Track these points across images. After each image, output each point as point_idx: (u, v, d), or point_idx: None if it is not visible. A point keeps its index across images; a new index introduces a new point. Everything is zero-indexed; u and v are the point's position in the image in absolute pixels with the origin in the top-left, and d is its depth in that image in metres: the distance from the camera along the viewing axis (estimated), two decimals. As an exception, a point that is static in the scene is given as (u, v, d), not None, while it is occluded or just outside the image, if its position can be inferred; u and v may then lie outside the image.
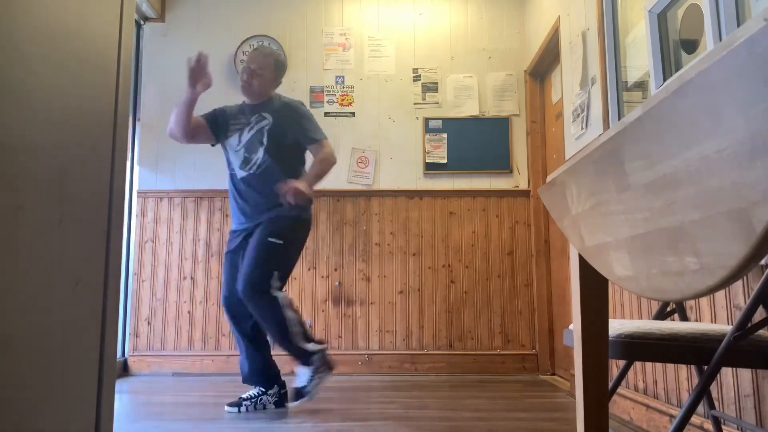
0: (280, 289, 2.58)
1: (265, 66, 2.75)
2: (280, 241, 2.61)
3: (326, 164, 2.71)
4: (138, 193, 3.85)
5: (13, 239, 0.65)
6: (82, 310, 0.79)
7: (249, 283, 2.52)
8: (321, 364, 2.56)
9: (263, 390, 2.62)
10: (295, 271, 3.77)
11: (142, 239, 3.79)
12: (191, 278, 3.76)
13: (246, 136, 2.72)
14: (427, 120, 3.93)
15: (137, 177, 3.88)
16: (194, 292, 3.74)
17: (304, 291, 3.74)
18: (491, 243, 3.81)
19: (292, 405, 2.56)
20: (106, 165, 0.86)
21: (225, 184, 3.84)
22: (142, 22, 3.98)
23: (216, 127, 2.81)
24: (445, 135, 3.91)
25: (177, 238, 3.80)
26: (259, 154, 2.68)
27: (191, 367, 3.65)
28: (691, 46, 1.94)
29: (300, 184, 2.55)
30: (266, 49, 2.90)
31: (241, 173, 2.70)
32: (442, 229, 3.82)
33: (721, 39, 1.71)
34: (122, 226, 0.90)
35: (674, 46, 2.04)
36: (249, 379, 2.65)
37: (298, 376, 2.56)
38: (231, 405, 2.59)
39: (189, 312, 3.73)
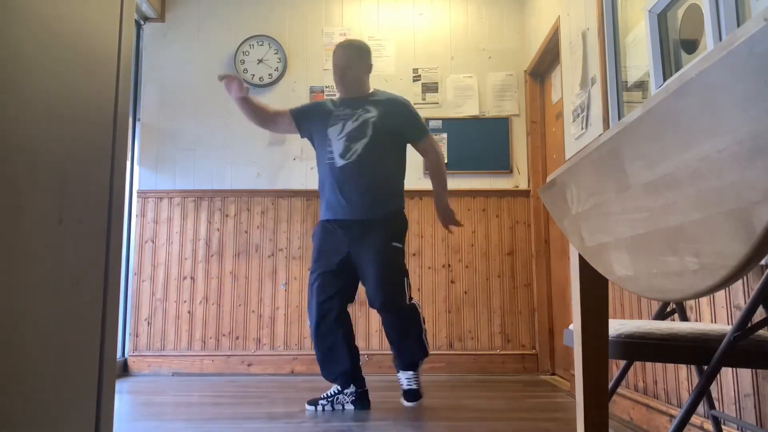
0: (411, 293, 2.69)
1: (350, 60, 2.76)
2: (401, 245, 2.68)
3: (444, 166, 2.82)
4: (138, 193, 3.85)
5: (13, 239, 0.65)
6: (82, 310, 0.79)
7: (389, 298, 2.58)
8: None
9: (339, 389, 2.61)
10: (296, 271, 3.77)
11: (142, 239, 3.79)
12: (191, 278, 3.76)
13: (350, 126, 2.70)
14: (427, 120, 3.93)
15: (137, 177, 3.88)
16: (194, 292, 3.74)
17: (304, 291, 3.74)
18: (491, 243, 3.81)
19: (410, 404, 2.63)
20: (106, 165, 0.86)
21: (224, 184, 3.86)
22: (142, 22, 3.98)
23: (305, 121, 2.82)
24: (445, 135, 3.91)
25: (177, 238, 3.80)
26: (360, 145, 2.66)
27: (191, 367, 3.65)
28: (691, 46, 1.94)
29: (449, 210, 2.75)
30: (345, 43, 2.83)
31: (340, 161, 2.66)
32: (442, 229, 3.82)
33: (721, 39, 1.71)
34: (122, 226, 0.90)
35: (674, 46, 2.04)
36: (332, 377, 2.64)
37: (407, 379, 2.66)
38: (310, 403, 2.61)
39: (189, 312, 3.73)
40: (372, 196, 2.63)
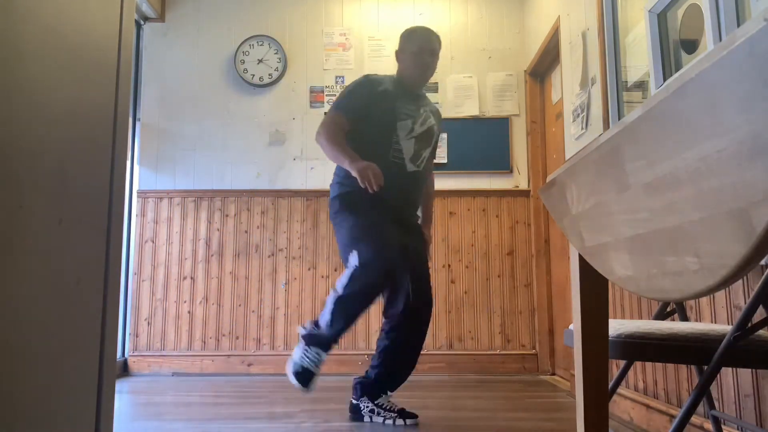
0: None
1: (437, 50, 2.50)
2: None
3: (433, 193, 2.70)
4: (138, 193, 3.85)
5: (13, 239, 0.65)
6: (82, 310, 0.79)
7: (430, 297, 2.46)
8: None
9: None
10: (296, 271, 3.77)
11: (142, 239, 3.79)
12: (191, 278, 3.76)
13: (418, 128, 2.44)
14: (427, 120, 3.93)
15: (137, 177, 3.88)
16: (194, 292, 3.74)
17: (304, 291, 3.74)
18: (491, 243, 3.81)
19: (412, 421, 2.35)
20: (106, 165, 0.86)
21: (224, 184, 3.86)
22: (142, 22, 3.99)
23: (364, 116, 2.41)
24: (445, 135, 3.91)
25: (177, 238, 3.80)
26: (426, 153, 2.48)
27: (191, 367, 3.65)
28: (691, 46, 1.94)
29: (429, 241, 2.57)
30: (430, 31, 2.52)
31: (411, 167, 2.41)
32: (442, 229, 3.82)
33: (721, 39, 1.71)
34: (122, 226, 0.90)
35: (674, 46, 2.04)
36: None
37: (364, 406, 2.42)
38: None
39: (189, 312, 3.73)
40: (416, 207, 2.53)
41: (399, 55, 2.51)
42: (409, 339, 2.38)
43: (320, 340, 2.23)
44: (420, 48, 2.44)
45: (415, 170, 2.42)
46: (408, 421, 2.33)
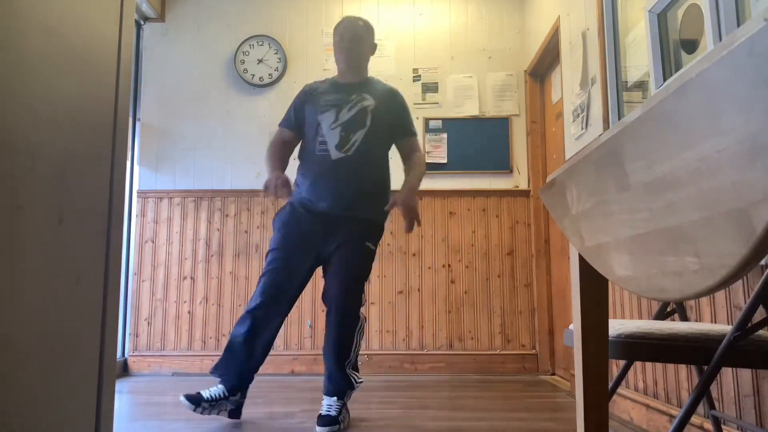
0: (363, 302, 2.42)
1: (360, 33, 2.50)
2: (374, 248, 2.44)
3: (424, 167, 2.55)
4: (138, 193, 3.85)
5: (13, 239, 0.65)
6: (82, 310, 0.79)
7: (353, 296, 2.34)
8: (350, 397, 2.39)
9: (226, 394, 2.33)
10: (295, 271, 3.77)
11: (142, 239, 3.79)
12: (191, 278, 3.76)
13: (345, 114, 2.44)
14: (427, 120, 3.93)
15: (137, 177, 3.88)
16: (194, 292, 3.74)
17: (304, 291, 3.73)
18: (491, 243, 3.81)
19: (320, 430, 2.22)
20: (106, 165, 0.86)
21: (224, 184, 3.86)
22: (142, 22, 3.99)
23: (301, 122, 2.54)
24: (445, 135, 3.91)
25: (177, 238, 3.80)
26: (359, 136, 2.42)
27: (191, 367, 3.65)
28: (691, 46, 1.94)
29: (412, 202, 2.37)
30: (353, 17, 2.56)
31: (337, 154, 2.39)
32: (442, 229, 3.82)
33: (721, 39, 1.71)
34: (122, 226, 0.90)
35: (674, 46, 2.04)
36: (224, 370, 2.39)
37: (328, 405, 2.31)
38: (188, 399, 2.28)
39: (189, 312, 3.73)
40: (363, 193, 2.41)
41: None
42: (330, 338, 2.37)
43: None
44: (340, 36, 2.49)
45: (342, 156, 2.39)
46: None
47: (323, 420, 2.23)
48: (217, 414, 2.32)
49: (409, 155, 2.55)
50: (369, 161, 2.44)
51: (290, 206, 2.48)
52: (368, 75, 2.59)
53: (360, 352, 2.40)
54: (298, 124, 2.54)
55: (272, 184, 2.37)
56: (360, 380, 2.41)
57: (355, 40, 2.49)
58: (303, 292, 3.82)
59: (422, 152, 2.57)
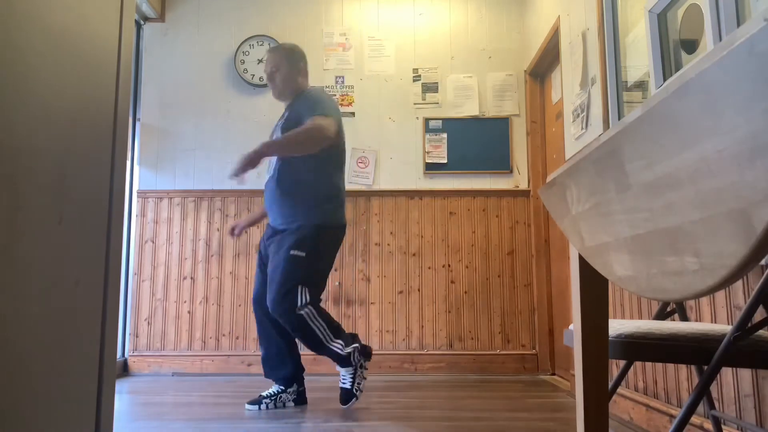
0: (314, 300, 2.51)
1: (276, 59, 2.69)
2: (302, 253, 2.51)
3: (304, 132, 2.44)
4: (138, 193, 3.85)
5: (13, 239, 0.65)
6: (82, 310, 0.79)
7: (276, 301, 2.48)
8: (358, 360, 2.53)
9: (282, 388, 2.65)
10: (295, 271, 3.77)
11: (142, 239, 3.79)
12: (191, 278, 3.76)
13: (273, 137, 2.68)
14: (427, 120, 3.93)
15: (137, 177, 3.88)
16: (194, 292, 3.74)
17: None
18: (491, 243, 3.81)
19: (344, 407, 2.53)
20: (106, 165, 0.86)
21: (224, 184, 3.87)
22: (142, 22, 3.99)
23: None
24: (445, 135, 3.91)
25: (177, 238, 3.80)
26: (275, 158, 2.62)
27: (191, 367, 3.65)
28: (691, 46, 1.94)
29: (244, 159, 2.41)
30: (274, 47, 2.84)
31: (267, 176, 2.68)
32: (442, 229, 3.82)
33: (721, 39, 1.71)
34: (122, 226, 0.90)
35: (674, 46, 2.04)
36: (271, 375, 2.68)
37: (342, 377, 2.55)
38: (251, 403, 2.62)
39: (189, 312, 3.73)
40: (284, 205, 2.58)
41: None
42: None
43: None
44: (264, 73, 2.84)
45: (269, 177, 2.66)
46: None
47: (341, 397, 2.55)
48: (283, 406, 2.63)
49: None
50: (284, 176, 2.59)
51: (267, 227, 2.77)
52: (305, 88, 2.73)
53: (329, 322, 2.53)
54: None
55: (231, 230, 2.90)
56: (350, 346, 2.53)
57: (270, 76, 2.71)
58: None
59: (311, 124, 2.47)
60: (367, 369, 2.58)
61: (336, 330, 2.53)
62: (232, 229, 2.83)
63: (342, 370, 2.54)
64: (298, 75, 2.72)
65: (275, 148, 2.46)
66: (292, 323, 2.47)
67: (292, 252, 2.50)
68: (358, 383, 2.53)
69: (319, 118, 2.49)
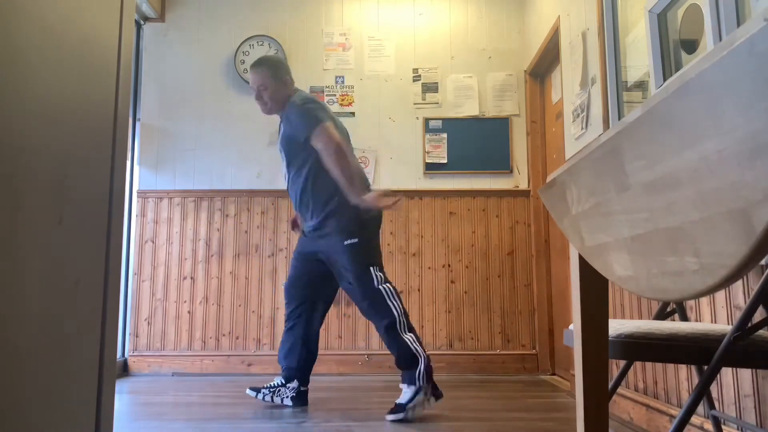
0: (386, 278, 2.58)
1: (262, 78, 2.67)
2: (355, 239, 2.56)
3: (334, 157, 2.52)
4: (138, 193, 3.85)
5: (13, 239, 0.65)
6: (82, 310, 0.79)
7: (359, 291, 2.53)
8: (426, 387, 2.40)
9: (283, 381, 2.70)
10: (295, 271, 3.77)
11: (142, 239, 3.79)
12: (191, 278, 3.76)
13: (278, 146, 2.78)
14: (427, 120, 3.93)
15: (137, 177, 3.88)
16: (194, 292, 3.74)
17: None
18: (491, 243, 3.81)
19: (387, 417, 2.39)
20: (106, 165, 0.86)
21: (224, 184, 3.87)
22: (142, 22, 3.99)
23: None
24: (445, 135, 3.91)
25: (177, 238, 3.80)
26: (284, 164, 2.74)
27: (191, 367, 3.65)
28: (691, 46, 1.94)
29: (368, 201, 2.48)
30: (256, 62, 2.74)
31: (285, 181, 2.77)
32: (442, 229, 3.82)
33: (721, 39, 1.71)
34: (122, 226, 0.90)
35: (674, 46, 2.04)
36: (281, 362, 2.75)
37: (403, 393, 2.43)
38: (252, 389, 2.74)
39: (189, 312, 3.73)
40: (306, 207, 2.66)
41: None
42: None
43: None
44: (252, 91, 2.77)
45: (287, 182, 2.75)
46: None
47: (392, 408, 2.41)
48: (281, 402, 2.68)
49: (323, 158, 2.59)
50: (299, 180, 2.66)
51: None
52: (294, 92, 2.73)
53: (405, 310, 2.55)
54: None
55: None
56: (423, 352, 2.45)
57: (258, 96, 2.71)
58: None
59: (326, 144, 2.54)
60: (430, 405, 2.45)
61: (410, 323, 2.53)
62: (294, 224, 2.92)
63: (405, 387, 2.43)
64: (285, 88, 2.71)
65: (353, 190, 2.52)
66: (374, 300, 2.50)
67: (345, 243, 2.55)
68: (413, 405, 2.38)
69: (321, 130, 2.56)
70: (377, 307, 2.50)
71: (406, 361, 2.43)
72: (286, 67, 2.77)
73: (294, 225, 2.93)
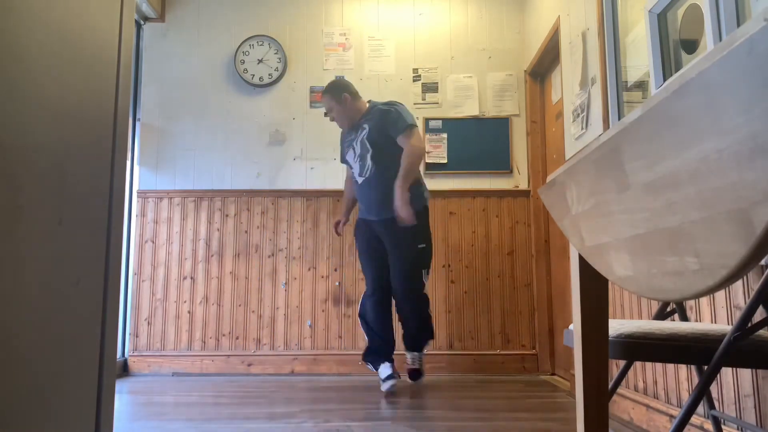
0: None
1: (327, 103, 3.17)
2: (424, 244, 3.07)
3: (413, 157, 3.01)
4: (138, 193, 3.85)
5: (13, 239, 0.65)
6: (82, 310, 0.79)
7: (408, 288, 3.03)
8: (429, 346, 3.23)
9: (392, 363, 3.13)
10: (296, 271, 3.77)
11: (142, 239, 3.79)
12: (191, 278, 3.76)
13: (357, 149, 3.14)
14: (427, 120, 3.93)
15: (137, 177, 3.88)
16: (194, 292, 3.74)
17: (304, 291, 3.74)
18: (491, 243, 3.81)
19: (417, 382, 3.17)
20: (106, 165, 0.86)
21: (224, 184, 3.88)
22: (142, 22, 3.98)
23: (343, 156, 3.31)
24: (445, 135, 3.91)
25: (177, 238, 3.80)
26: (369, 161, 3.09)
27: (191, 367, 3.65)
28: (691, 46, 1.94)
29: (401, 205, 2.93)
30: (324, 90, 3.21)
31: (360, 179, 3.12)
32: (442, 229, 3.82)
33: (721, 39, 1.71)
34: (122, 226, 0.90)
35: (674, 46, 2.04)
36: (388, 356, 3.13)
37: (411, 359, 3.17)
38: (388, 378, 3.03)
39: (189, 312, 3.73)
40: (386, 204, 3.03)
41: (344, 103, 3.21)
42: (400, 313, 3.14)
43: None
44: (327, 111, 3.22)
45: (363, 180, 3.11)
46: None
47: (412, 375, 3.17)
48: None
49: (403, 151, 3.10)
50: (382, 174, 3.06)
51: (358, 221, 3.26)
52: (367, 104, 3.23)
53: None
54: (345, 162, 3.30)
55: (335, 229, 3.37)
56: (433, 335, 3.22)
57: (328, 111, 3.19)
58: (303, 295, 3.84)
59: (412, 146, 3.03)
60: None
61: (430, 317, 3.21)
62: (336, 227, 3.33)
63: (413, 353, 3.16)
64: (349, 104, 3.15)
65: (405, 181, 2.98)
66: (420, 303, 3.08)
67: (419, 246, 3.05)
68: (424, 363, 3.23)
69: (410, 132, 3.05)
70: (422, 307, 3.17)
71: (427, 339, 3.22)
72: (346, 85, 3.21)
73: (338, 227, 3.33)
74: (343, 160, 3.30)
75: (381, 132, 3.06)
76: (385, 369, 3.03)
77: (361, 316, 3.18)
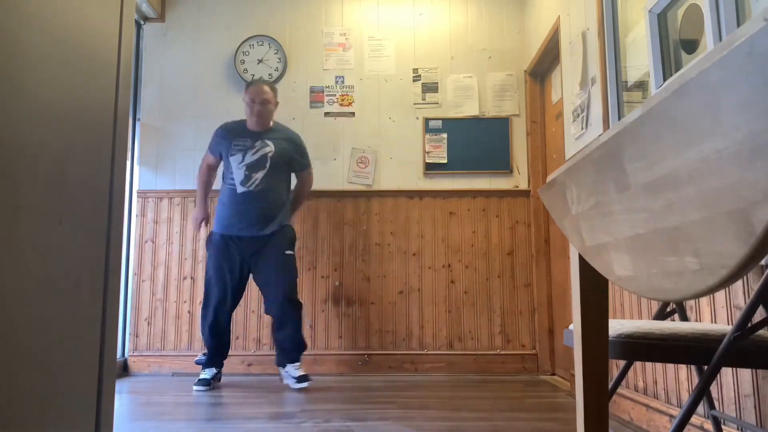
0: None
1: (271, 98, 3.24)
2: (293, 252, 3.21)
3: (308, 192, 3.45)
4: (138, 193, 3.85)
5: (13, 239, 0.65)
6: (82, 310, 0.79)
7: (287, 296, 3.10)
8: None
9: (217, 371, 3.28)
10: (295, 271, 3.78)
11: (142, 239, 3.79)
12: (191, 278, 3.76)
13: (249, 158, 3.17)
14: (427, 120, 3.93)
15: (137, 177, 3.88)
16: (194, 292, 3.74)
17: (304, 291, 3.74)
18: (491, 243, 3.81)
19: (304, 385, 3.10)
20: (106, 165, 0.86)
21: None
22: (142, 22, 3.98)
23: (219, 149, 3.31)
24: (445, 135, 3.91)
25: (177, 238, 3.80)
26: (260, 175, 3.15)
27: (191, 367, 3.65)
28: (691, 46, 1.95)
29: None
30: (264, 82, 3.31)
31: (241, 188, 3.15)
32: (442, 229, 3.82)
33: (721, 39, 1.71)
34: (122, 226, 0.90)
35: (674, 46, 2.04)
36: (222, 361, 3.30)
37: (291, 371, 3.15)
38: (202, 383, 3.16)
39: (189, 312, 3.73)
40: (267, 216, 3.15)
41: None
42: (284, 325, 3.17)
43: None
44: (251, 100, 3.22)
45: (245, 191, 3.15)
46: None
47: (304, 378, 3.10)
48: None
49: (298, 181, 3.40)
50: (267, 194, 3.16)
51: (215, 235, 3.24)
52: (272, 122, 3.32)
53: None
54: (217, 153, 3.32)
55: (193, 219, 3.39)
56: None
57: (263, 103, 3.21)
58: (303, 295, 3.84)
59: (309, 182, 3.43)
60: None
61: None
62: (200, 225, 3.39)
63: (293, 365, 3.15)
64: (274, 111, 3.33)
65: (298, 209, 3.46)
66: (297, 311, 3.14)
67: (287, 252, 3.16)
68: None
69: (311, 174, 3.43)
70: (297, 315, 3.25)
71: (301, 351, 3.26)
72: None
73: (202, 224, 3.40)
74: (216, 154, 3.30)
75: (284, 157, 3.23)
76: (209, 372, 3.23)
77: (213, 326, 3.19)
